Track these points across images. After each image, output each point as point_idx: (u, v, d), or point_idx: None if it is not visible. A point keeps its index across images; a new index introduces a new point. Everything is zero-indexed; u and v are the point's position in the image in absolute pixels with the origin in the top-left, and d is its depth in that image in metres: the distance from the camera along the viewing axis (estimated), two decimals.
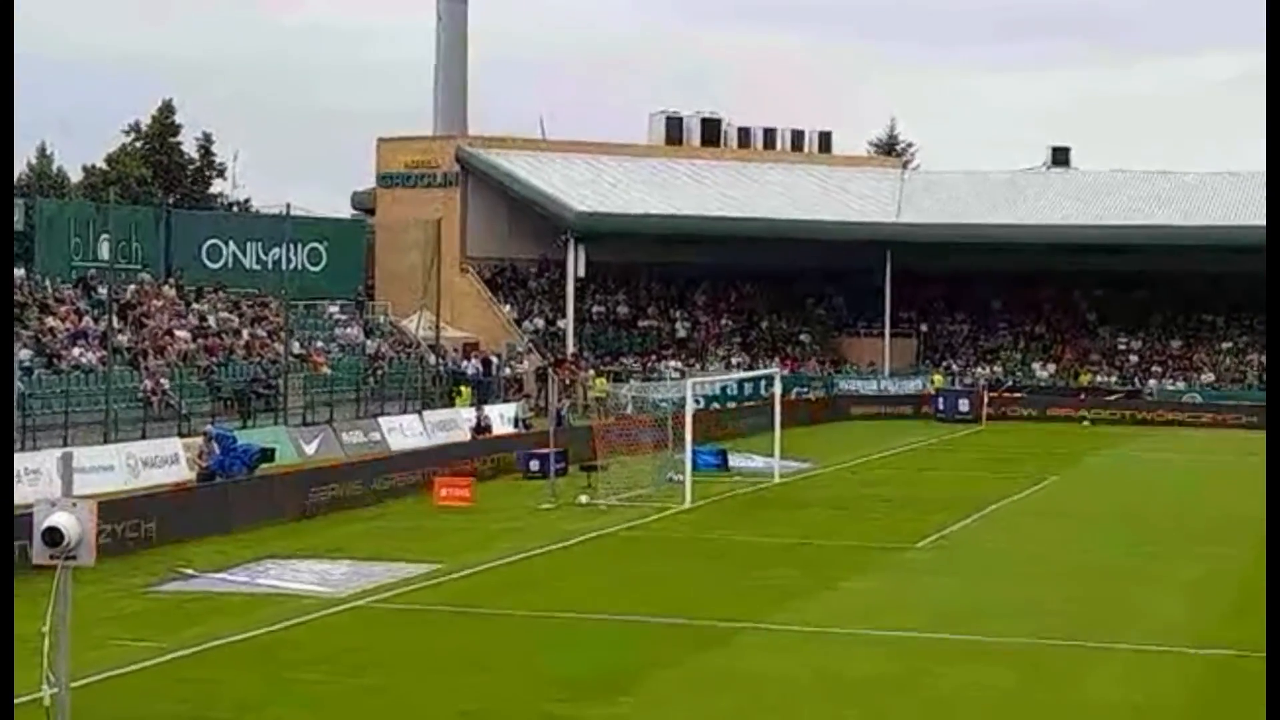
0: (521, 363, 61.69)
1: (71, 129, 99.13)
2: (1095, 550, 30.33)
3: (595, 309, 68.22)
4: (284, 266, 53.73)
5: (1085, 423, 61.02)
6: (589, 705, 18.14)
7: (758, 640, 21.74)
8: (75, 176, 74.12)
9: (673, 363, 63.89)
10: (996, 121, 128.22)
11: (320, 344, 53.47)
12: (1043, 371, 68.72)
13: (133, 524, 27.99)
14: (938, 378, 66.74)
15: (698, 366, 63.08)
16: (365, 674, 19.52)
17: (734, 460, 42.85)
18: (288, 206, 52.13)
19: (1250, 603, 24.91)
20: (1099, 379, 67.64)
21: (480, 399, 53.42)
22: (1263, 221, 64.79)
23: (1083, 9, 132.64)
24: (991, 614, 23.63)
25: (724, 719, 17.84)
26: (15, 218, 46.78)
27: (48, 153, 74.26)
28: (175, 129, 73.80)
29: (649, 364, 64.00)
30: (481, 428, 46.92)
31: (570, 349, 63.32)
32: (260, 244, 57.67)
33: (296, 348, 50.55)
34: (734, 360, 66.02)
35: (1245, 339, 68.66)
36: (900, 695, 18.87)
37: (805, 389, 64.45)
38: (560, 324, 65.38)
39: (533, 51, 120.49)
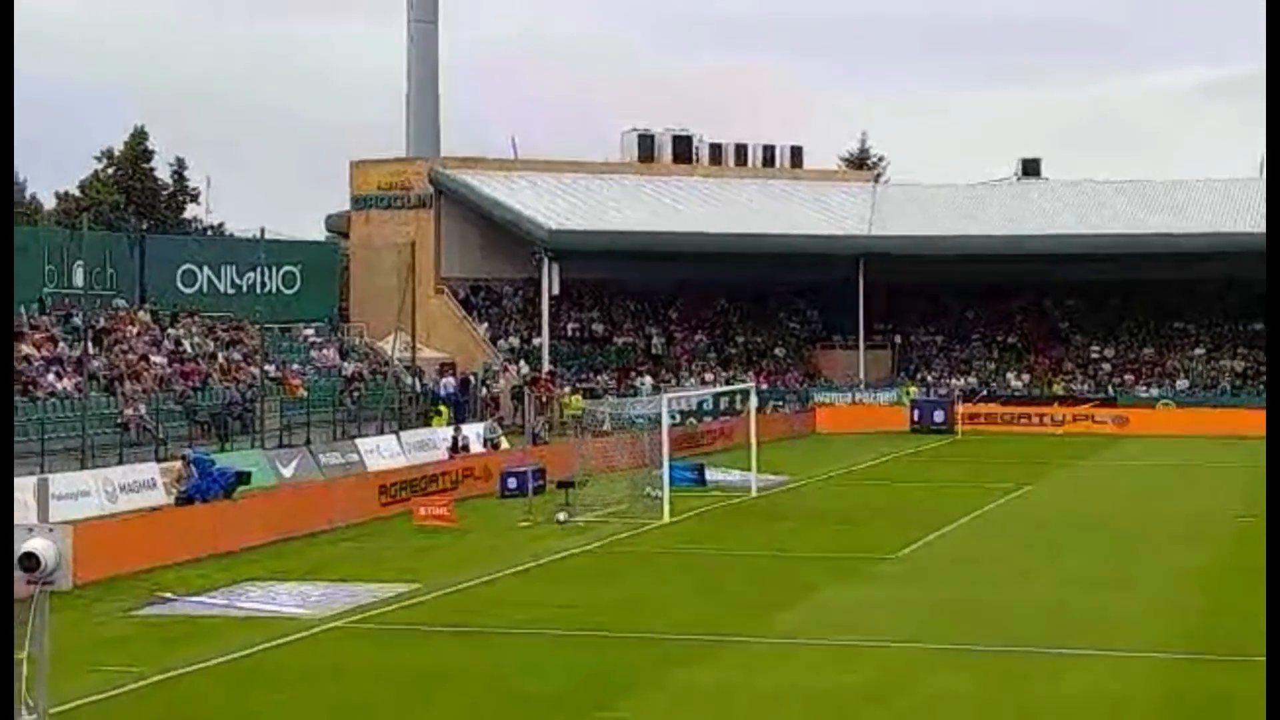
0: (498, 381, 61.75)
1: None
2: (1071, 558, 30.52)
3: (570, 326, 68.33)
4: (259, 290, 53.76)
5: (1059, 432, 61.20)
6: None
7: (739, 653, 21.83)
8: (49, 204, 74.06)
9: (646, 379, 63.95)
10: (967, 134, 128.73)
11: (296, 366, 53.47)
12: (1017, 381, 68.99)
13: (111, 549, 27.96)
14: (912, 389, 66.98)
15: (673, 382, 63.17)
16: (345, 695, 19.57)
17: (711, 475, 42.95)
18: (262, 230, 52.15)
19: (1222, 607, 25.22)
20: (1073, 387, 67.93)
21: (458, 418, 53.48)
22: (1231, 228, 65.64)
23: (1051, 23, 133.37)
24: (970, 624, 23.77)
25: None
26: None
27: (20, 180, 74.19)
28: (148, 155, 73.73)
29: (624, 381, 64.09)
30: (459, 447, 47.00)
31: (546, 367, 63.41)
32: (234, 268, 57.64)
33: (272, 371, 50.53)
34: (709, 376, 66.14)
35: (1225, 343, 69.00)
36: (880, 706, 18.99)
37: (781, 402, 64.62)
38: (535, 342, 65.46)
39: (504, 71, 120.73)
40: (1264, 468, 45.00)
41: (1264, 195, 67.85)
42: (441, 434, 49.73)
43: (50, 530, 13.31)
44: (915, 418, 62.72)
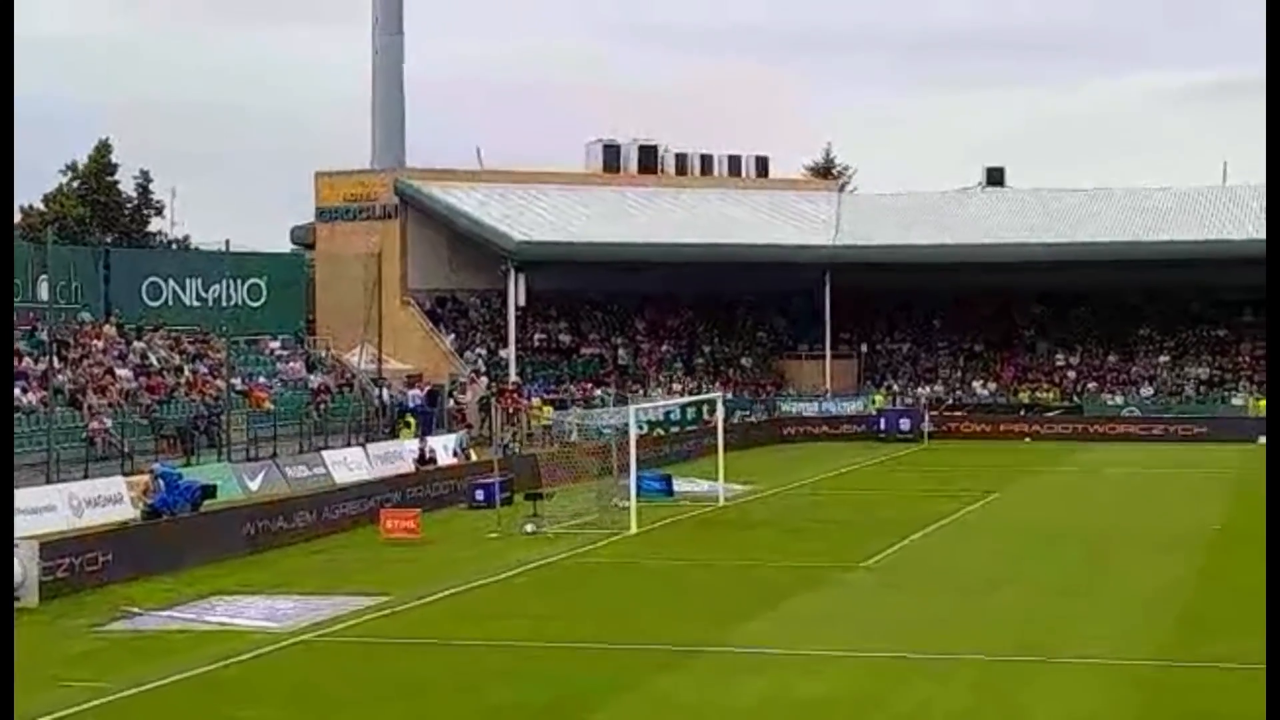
0: (465, 393, 61.64)
1: None
2: (1040, 565, 30.59)
3: (537, 337, 68.28)
4: (224, 303, 53.57)
5: (1026, 439, 61.45)
6: None
7: (710, 663, 21.80)
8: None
9: (608, 388, 63.87)
10: (932, 143, 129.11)
11: (262, 379, 53.31)
12: (983, 389, 69.17)
13: (77, 564, 27.79)
14: (879, 398, 67.12)
15: (640, 392, 63.12)
16: (315, 709, 19.50)
17: (679, 485, 42.91)
18: (227, 243, 51.95)
19: (1198, 613, 25.29)
20: (1038, 395, 68.12)
21: (425, 430, 53.35)
22: (1195, 236, 65.98)
23: (1014, 31, 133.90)
24: (941, 632, 23.78)
25: None
26: None
27: None
28: (113, 168, 73.48)
29: (589, 391, 64.01)
30: (425, 459, 46.88)
31: (513, 378, 63.34)
32: (200, 281, 57.44)
33: (238, 384, 50.37)
34: (676, 385, 66.14)
35: (1189, 351, 69.28)
36: (854, 716, 18.99)
37: (748, 412, 64.66)
38: (503, 353, 65.40)
39: (468, 83, 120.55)
40: (1224, 474, 45.43)
41: (1227, 202, 68.55)
42: (409, 446, 49.61)
43: (15, 546, 13.22)
44: (882, 426, 62.86)
